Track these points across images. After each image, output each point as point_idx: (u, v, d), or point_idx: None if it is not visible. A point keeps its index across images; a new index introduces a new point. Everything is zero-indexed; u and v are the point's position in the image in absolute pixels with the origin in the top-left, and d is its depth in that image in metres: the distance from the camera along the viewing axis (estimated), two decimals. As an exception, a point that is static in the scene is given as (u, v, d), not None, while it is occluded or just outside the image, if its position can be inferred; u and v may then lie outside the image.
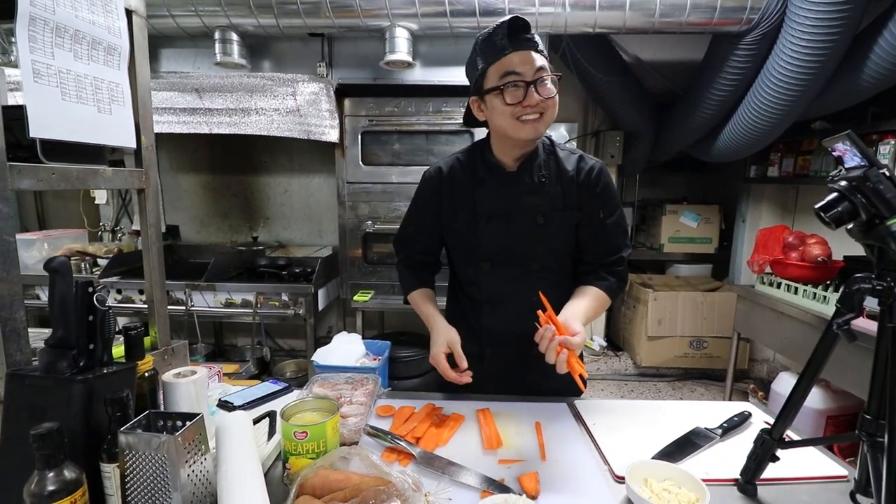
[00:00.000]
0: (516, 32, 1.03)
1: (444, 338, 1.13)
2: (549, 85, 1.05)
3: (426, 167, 1.27)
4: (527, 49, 1.03)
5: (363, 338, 1.44)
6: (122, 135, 0.99)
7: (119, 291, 2.64)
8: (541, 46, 1.06)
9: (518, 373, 1.24)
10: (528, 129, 1.07)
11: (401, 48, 2.23)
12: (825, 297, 2.10)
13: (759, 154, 2.89)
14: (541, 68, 1.04)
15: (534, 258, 1.19)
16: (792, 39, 1.96)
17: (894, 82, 1.96)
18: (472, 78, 1.11)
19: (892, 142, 2.10)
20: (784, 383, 2.42)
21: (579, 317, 1.04)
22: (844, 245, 2.10)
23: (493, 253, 1.19)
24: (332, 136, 2.51)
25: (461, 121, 1.27)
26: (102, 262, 2.79)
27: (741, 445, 0.92)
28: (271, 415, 0.97)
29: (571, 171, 1.17)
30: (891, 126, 2.16)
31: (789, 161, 2.85)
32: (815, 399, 2.22)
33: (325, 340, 1.42)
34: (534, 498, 0.79)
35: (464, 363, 1.09)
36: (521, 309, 1.17)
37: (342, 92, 2.54)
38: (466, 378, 1.09)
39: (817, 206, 0.71)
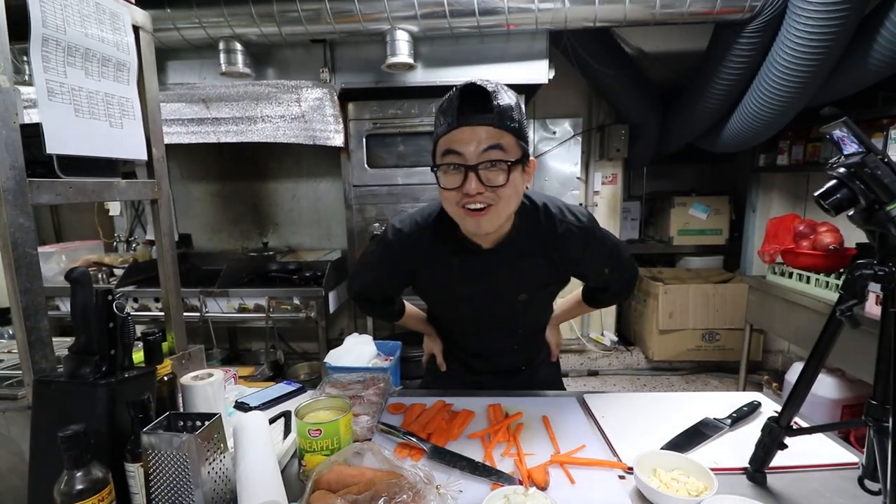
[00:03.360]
0: (472, 100, 0.86)
1: (432, 346, 1.35)
2: (498, 171, 0.87)
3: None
4: (478, 123, 0.85)
5: (374, 339, 1.46)
6: (133, 147, 1.02)
7: (136, 300, 2.70)
8: (507, 122, 0.87)
9: (503, 380, 1.29)
10: (471, 223, 0.92)
11: (402, 51, 2.25)
12: (837, 286, 2.08)
13: (768, 142, 2.86)
14: (492, 148, 0.86)
15: (516, 328, 1.20)
16: (796, 26, 1.94)
17: (902, 65, 1.93)
18: (432, 142, 0.95)
19: (903, 125, 2.07)
20: (797, 373, 2.39)
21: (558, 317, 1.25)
22: (857, 232, 2.08)
23: (473, 325, 1.21)
24: (337, 140, 2.54)
25: None
26: (118, 273, 2.85)
27: (750, 435, 0.92)
28: (286, 414, 1.00)
29: (555, 240, 1.03)
30: (901, 110, 2.13)
31: (799, 148, 2.81)
32: (830, 388, 2.20)
33: (337, 342, 1.44)
34: (543, 489, 0.80)
35: (442, 367, 1.32)
36: (506, 353, 1.27)
37: (346, 96, 2.57)
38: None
39: (816, 193, 0.72)
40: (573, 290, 1.32)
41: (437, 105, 0.93)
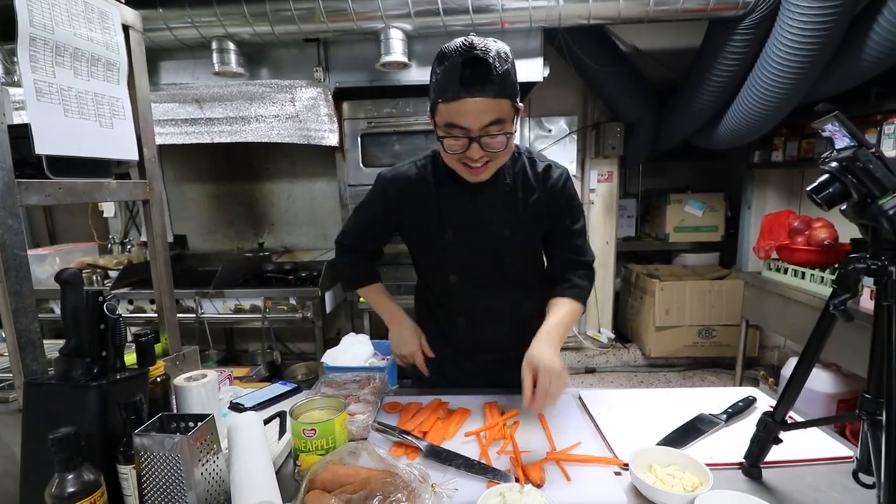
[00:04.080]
0: (474, 70, 0.89)
1: (417, 334, 1.25)
2: (498, 140, 0.94)
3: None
4: (481, 95, 0.89)
5: (371, 338, 1.45)
6: (124, 148, 1.01)
7: (130, 302, 2.68)
8: (506, 89, 0.92)
9: (493, 370, 1.26)
10: (468, 175, 1.02)
11: (396, 49, 2.25)
12: (832, 281, 2.08)
13: (763, 139, 2.87)
14: (493, 123, 0.92)
15: (502, 270, 1.16)
16: (790, 22, 1.95)
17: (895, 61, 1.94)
18: (430, 89, 0.99)
19: (896, 121, 2.08)
20: (793, 369, 2.41)
21: (553, 342, 1.02)
22: (852, 227, 2.09)
23: (460, 266, 1.16)
24: (332, 139, 2.54)
25: None
26: (113, 274, 2.84)
27: (746, 430, 0.92)
28: (281, 415, 0.99)
29: (538, 180, 1.11)
30: (895, 105, 2.13)
31: (793, 145, 2.82)
32: (826, 383, 2.20)
33: (333, 342, 1.44)
34: (539, 486, 0.80)
35: (430, 354, 1.24)
36: (493, 317, 1.22)
37: (340, 95, 2.56)
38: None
39: (809, 188, 0.72)
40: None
41: (436, 56, 0.94)
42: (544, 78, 2.47)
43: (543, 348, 0.99)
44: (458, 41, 0.91)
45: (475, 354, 1.27)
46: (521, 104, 0.99)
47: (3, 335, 0.80)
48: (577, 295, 1.14)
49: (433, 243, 1.16)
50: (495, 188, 1.09)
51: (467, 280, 1.18)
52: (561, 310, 1.11)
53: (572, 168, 3.36)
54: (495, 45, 0.91)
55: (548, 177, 1.11)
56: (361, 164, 2.65)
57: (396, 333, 1.27)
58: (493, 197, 1.10)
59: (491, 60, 0.89)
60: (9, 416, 0.84)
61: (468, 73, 0.89)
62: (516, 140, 1.08)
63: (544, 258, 1.24)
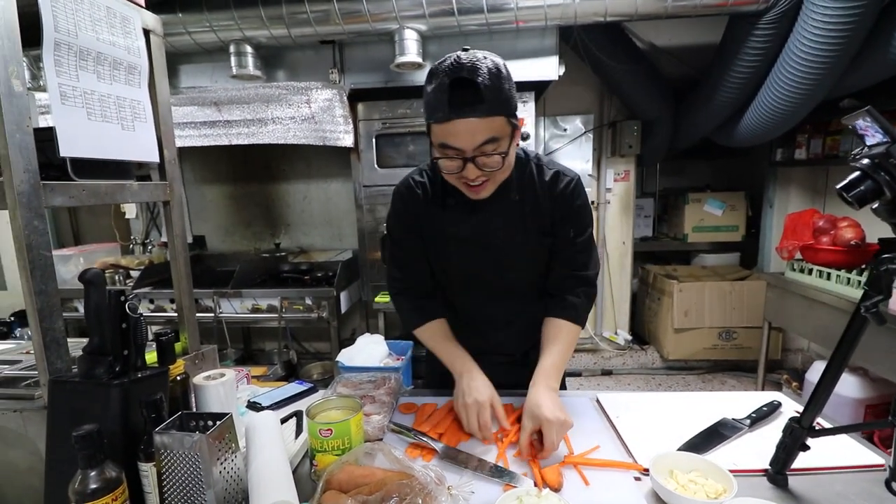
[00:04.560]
0: (462, 91, 0.86)
1: (490, 392, 1.01)
2: (493, 159, 0.92)
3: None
4: (471, 116, 0.86)
5: (386, 338, 1.45)
6: (145, 150, 1.03)
7: (151, 301, 2.74)
8: (498, 107, 0.88)
9: (501, 373, 1.17)
10: (471, 193, 1.00)
11: (410, 50, 2.25)
12: (860, 283, 2.02)
13: (785, 136, 2.79)
14: (487, 142, 0.89)
15: (509, 282, 1.15)
16: (813, 15, 1.89)
17: (926, 54, 1.87)
18: (424, 108, 0.96)
19: (927, 116, 2.01)
20: (818, 373, 2.31)
21: (553, 386, 0.99)
22: (880, 227, 2.02)
23: (465, 278, 1.15)
24: (347, 140, 2.55)
25: None
26: (135, 274, 2.90)
27: (771, 436, 0.90)
28: (298, 414, 1.00)
29: (545, 188, 1.08)
30: (924, 100, 2.07)
31: (817, 142, 2.75)
32: (853, 387, 2.14)
33: (349, 342, 1.44)
34: (556, 490, 0.79)
35: (507, 425, 0.99)
36: (500, 325, 1.20)
37: (355, 97, 2.58)
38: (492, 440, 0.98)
39: (839, 185, 0.69)
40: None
41: (427, 74, 0.93)
42: (560, 76, 2.45)
43: (544, 398, 0.93)
44: (449, 58, 0.89)
45: (482, 358, 1.19)
46: (518, 118, 0.96)
47: (30, 333, 0.82)
48: (572, 316, 1.09)
49: (438, 254, 1.15)
50: (501, 202, 1.06)
51: (473, 291, 1.17)
52: (558, 343, 1.07)
53: (588, 167, 3.32)
54: (485, 62, 0.88)
55: (555, 185, 1.07)
56: (376, 165, 2.66)
57: (466, 392, 1.01)
58: (498, 210, 1.07)
59: (479, 79, 0.85)
60: (34, 413, 0.86)
61: (456, 94, 0.86)
62: (530, 143, 1.07)
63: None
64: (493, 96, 0.87)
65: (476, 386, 1.02)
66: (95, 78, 0.90)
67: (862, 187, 0.67)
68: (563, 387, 1.32)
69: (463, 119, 0.87)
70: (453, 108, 0.87)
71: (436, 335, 1.15)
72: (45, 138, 0.83)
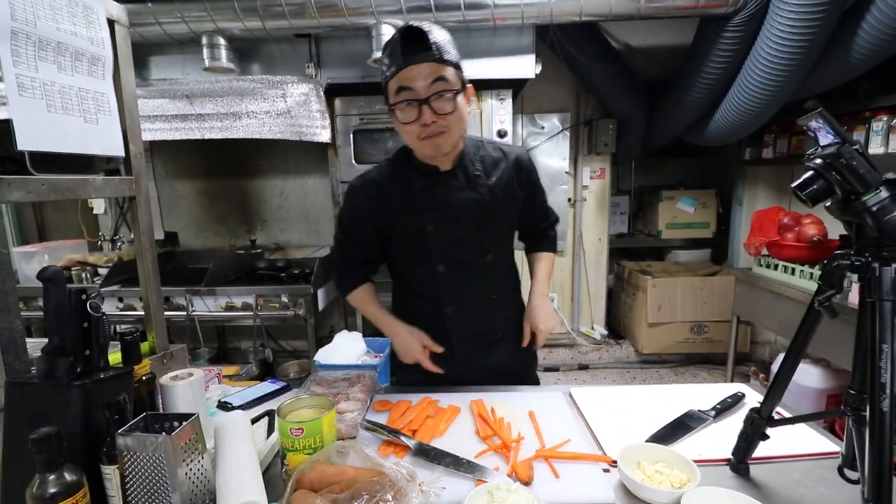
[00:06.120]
0: (413, 43, 0.98)
1: (416, 336, 1.22)
2: (446, 100, 1.01)
3: None
4: (422, 62, 0.98)
5: (364, 336, 1.45)
6: (109, 144, 1.00)
7: (120, 300, 2.66)
8: (446, 55, 1.00)
9: (482, 357, 1.28)
10: (429, 147, 1.06)
11: (388, 45, 2.23)
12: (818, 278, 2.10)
13: (753, 136, 2.88)
14: (438, 80, 0.99)
15: (485, 252, 1.22)
16: (779, 20, 1.96)
17: (884, 58, 1.95)
18: (382, 83, 1.07)
19: (885, 118, 2.09)
20: (784, 364, 2.43)
21: (545, 294, 1.30)
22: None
23: (445, 255, 1.20)
24: (324, 136, 2.52)
25: None
26: (103, 272, 2.81)
27: (734, 426, 0.92)
28: (270, 414, 0.99)
29: (502, 162, 1.20)
30: (883, 102, 2.15)
31: (783, 142, 2.84)
32: (815, 378, 2.23)
33: (326, 340, 1.43)
34: (527, 484, 0.80)
35: (439, 349, 1.22)
36: (481, 302, 1.25)
37: (332, 92, 2.54)
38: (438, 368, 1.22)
39: (793, 184, 0.72)
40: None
41: (381, 52, 1.05)
42: (536, 75, 2.47)
43: (539, 309, 1.27)
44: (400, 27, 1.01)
45: (462, 342, 1.26)
46: (468, 82, 1.07)
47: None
48: (552, 248, 1.39)
49: (416, 238, 1.19)
50: (465, 174, 1.16)
51: (452, 267, 1.21)
52: (544, 264, 1.36)
53: (565, 165, 3.36)
54: (434, 26, 1.01)
55: (515, 157, 1.22)
56: (354, 161, 2.63)
57: (399, 344, 1.25)
58: (464, 183, 1.16)
59: (426, 30, 0.98)
60: (-9, 417, 0.83)
61: (409, 45, 0.98)
62: (508, 140, 1.12)
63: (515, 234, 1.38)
64: (442, 48, 0.99)
65: (406, 345, 1.23)
66: (56, 69, 0.87)
67: (815, 186, 0.70)
68: (537, 381, 1.39)
69: (415, 65, 0.98)
70: (406, 56, 0.98)
71: (368, 303, 1.32)
72: (3, 131, 0.80)
